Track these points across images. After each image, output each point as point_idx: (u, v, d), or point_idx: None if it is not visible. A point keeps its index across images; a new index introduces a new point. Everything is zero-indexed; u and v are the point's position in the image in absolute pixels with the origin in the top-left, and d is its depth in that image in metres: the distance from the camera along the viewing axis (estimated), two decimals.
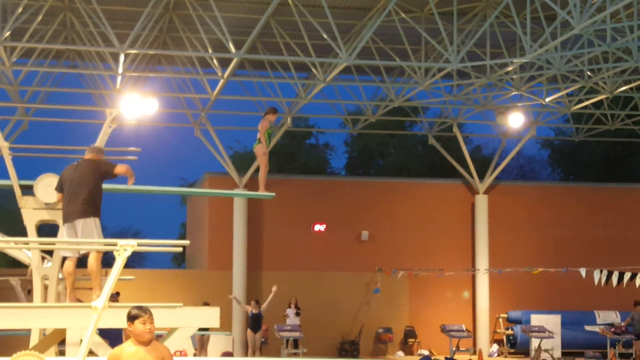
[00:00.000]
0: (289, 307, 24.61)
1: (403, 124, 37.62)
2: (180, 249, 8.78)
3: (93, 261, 9.87)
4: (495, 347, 27.82)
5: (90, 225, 9.96)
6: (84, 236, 9.83)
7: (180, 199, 45.69)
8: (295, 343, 23.99)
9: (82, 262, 10.41)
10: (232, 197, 26.59)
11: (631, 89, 25.23)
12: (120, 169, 10.36)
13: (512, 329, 27.46)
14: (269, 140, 13.79)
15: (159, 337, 9.48)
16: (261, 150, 13.60)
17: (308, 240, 28.05)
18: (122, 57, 21.01)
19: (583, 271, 20.92)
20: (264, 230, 27.73)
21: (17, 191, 10.63)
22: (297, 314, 24.45)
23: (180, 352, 19.40)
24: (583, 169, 39.68)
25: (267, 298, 22.86)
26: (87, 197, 10.01)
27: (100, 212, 10.13)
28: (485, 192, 28.94)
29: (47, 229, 11.45)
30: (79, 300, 10.56)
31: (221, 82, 23.18)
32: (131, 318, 6.65)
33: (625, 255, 27.71)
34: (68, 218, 10.09)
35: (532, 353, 24.30)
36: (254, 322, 22.78)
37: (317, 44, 21.62)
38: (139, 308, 6.69)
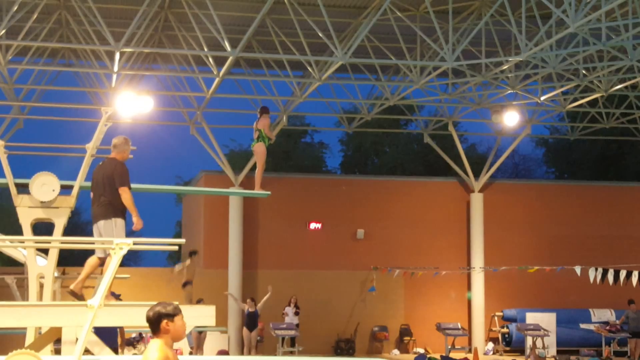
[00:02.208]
0: (289, 305, 24.59)
1: (398, 122, 37.62)
2: (175, 248, 8.76)
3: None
4: (490, 345, 27.86)
5: (110, 227, 9.98)
6: (105, 237, 9.83)
7: (175, 198, 45.63)
8: (292, 341, 24.00)
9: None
10: (228, 195, 26.60)
11: (626, 87, 25.27)
12: (125, 195, 10.04)
13: (508, 327, 27.50)
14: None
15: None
16: (261, 149, 13.95)
17: (304, 239, 28.05)
18: (117, 56, 20.97)
19: (578, 269, 20.94)
20: (259, 229, 27.72)
21: (13, 189, 10.60)
22: (296, 313, 24.44)
23: (176, 350, 19.37)
24: (578, 167, 39.72)
25: (262, 297, 22.88)
26: (107, 198, 10.05)
27: (123, 213, 10.10)
28: (481, 191, 28.96)
29: (42, 228, 11.43)
30: (82, 296, 10.49)
31: (217, 80, 23.14)
32: (171, 315, 5.94)
33: (620, 253, 27.81)
34: (93, 219, 10.20)
35: (528, 351, 24.36)
36: (250, 321, 22.76)
37: (313, 43, 21.62)
38: (172, 305, 6.01)
